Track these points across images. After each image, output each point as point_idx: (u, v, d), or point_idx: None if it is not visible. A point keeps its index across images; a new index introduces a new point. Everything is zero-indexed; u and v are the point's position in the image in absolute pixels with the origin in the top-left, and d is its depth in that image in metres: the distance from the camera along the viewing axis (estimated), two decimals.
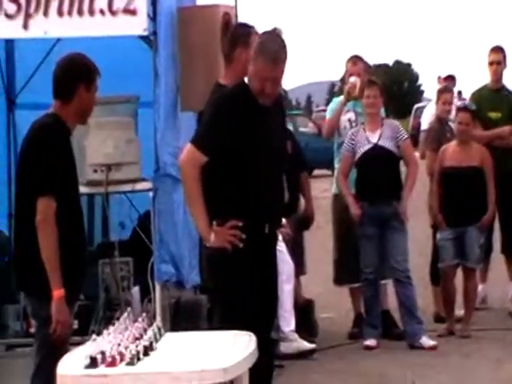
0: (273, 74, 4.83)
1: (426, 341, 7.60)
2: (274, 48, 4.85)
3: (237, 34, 5.39)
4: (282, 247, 7.32)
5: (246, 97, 4.87)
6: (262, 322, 4.96)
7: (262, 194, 4.93)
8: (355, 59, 8.39)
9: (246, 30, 5.42)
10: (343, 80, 8.72)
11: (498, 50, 9.07)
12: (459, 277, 8.19)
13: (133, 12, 5.82)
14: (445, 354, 7.42)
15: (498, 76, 9.02)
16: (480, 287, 8.65)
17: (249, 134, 4.88)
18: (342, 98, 8.44)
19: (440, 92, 9.03)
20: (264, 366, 4.78)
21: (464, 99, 10.66)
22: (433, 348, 7.55)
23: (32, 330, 5.11)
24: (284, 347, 7.20)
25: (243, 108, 4.86)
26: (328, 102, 10.35)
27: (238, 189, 4.84)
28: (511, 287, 8.86)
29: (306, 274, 8.25)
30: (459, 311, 8.15)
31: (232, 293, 4.84)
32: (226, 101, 4.94)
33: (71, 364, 3.96)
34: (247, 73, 4.92)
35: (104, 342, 4.05)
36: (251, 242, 4.82)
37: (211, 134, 4.87)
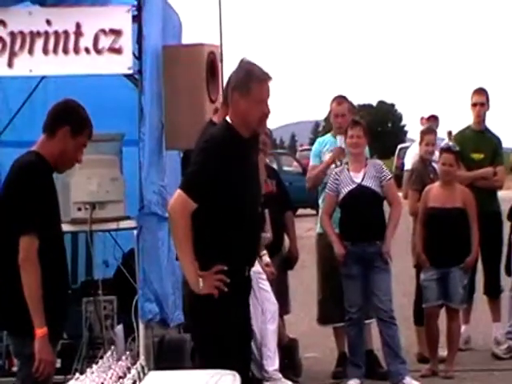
0: (267, 93, 4.85)
1: (410, 381, 7.58)
2: (258, 70, 4.87)
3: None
4: (266, 286, 7.33)
5: (233, 136, 4.86)
6: (243, 362, 4.97)
7: (245, 238, 4.96)
8: (340, 99, 8.46)
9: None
10: (327, 119, 8.77)
11: (481, 91, 9.15)
12: (442, 317, 8.20)
13: (118, 51, 5.84)
14: None
15: (481, 117, 9.09)
16: (463, 328, 8.66)
17: (237, 176, 4.87)
18: (328, 135, 8.50)
19: (423, 133, 9.09)
20: None
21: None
22: None
23: (14, 368, 5.06)
24: None
25: (231, 149, 4.84)
26: (312, 141, 10.43)
27: (222, 233, 4.82)
28: (494, 328, 8.89)
29: (290, 314, 8.25)
30: (442, 352, 8.15)
31: (219, 334, 4.84)
32: (215, 145, 4.86)
33: None
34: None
35: (87, 380, 4.03)
36: (234, 286, 4.84)
37: (201, 180, 4.79)
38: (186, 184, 4.83)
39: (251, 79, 4.83)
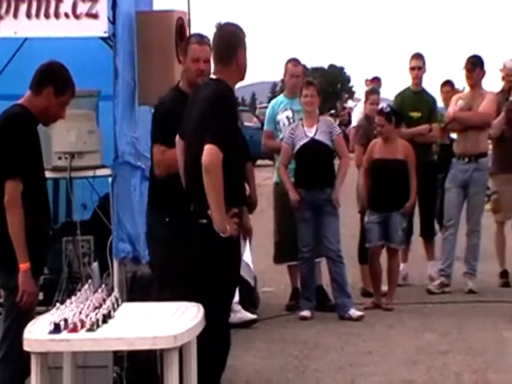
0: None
1: (354, 313, 7.67)
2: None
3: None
4: None
5: (233, 93, 4.89)
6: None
7: (240, 181, 4.95)
8: (295, 61, 8.43)
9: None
10: (283, 80, 8.73)
11: (418, 56, 9.17)
12: (383, 256, 8.27)
13: (95, 16, 5.77)
14: (370, 325, 7.49)
15: (418, 80, 9.12)
16: (402, 266, 8.75)
17: (236, 129, 4.89)
18: (281, 96, 8.50)
19: (368, 93, 9.09)
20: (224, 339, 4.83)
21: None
22: (360, 319, 7.62)
23: (0, 299, 5.03)
24: None
25: (235, 104, 4.92)
26: (270, 99, 10.37)
27: (231, 179, 4.70)
28: (429, 266, 8.99)
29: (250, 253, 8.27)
30: (383, 287, 8.24)
31: (231, 270, 4.84)
32: (229, 98, 4.80)
33: (36, 329, 3.94)
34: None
35: (67, 310, 4.03)
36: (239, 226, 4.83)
37: (225, 131, 4.66)
38: (213, 137, 4.61)
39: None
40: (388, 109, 8.18)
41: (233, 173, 4.72)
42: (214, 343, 4.56)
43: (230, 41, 4.86)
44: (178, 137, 5.01)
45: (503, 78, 9.18)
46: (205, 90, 4.87)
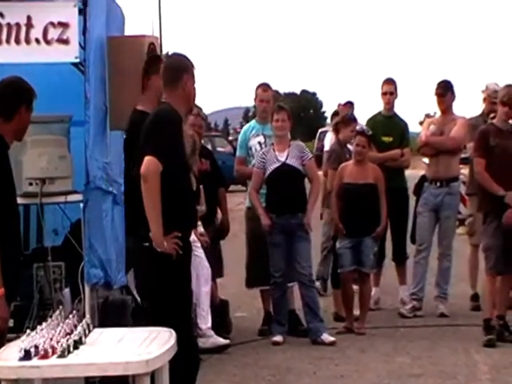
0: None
1: (327, 337, 7.69)
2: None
3: (150, 64, 5.54)
4: (200, 253, 7.34)
5: (177, 113, 5.02)
6: (188, 320, 5.05)
7: (192, 208, 5.02)
8: (265, 86, 8.48)
9: (157, 59, 5.56)
10: (255, 106, 8.78)
11: (390, 81, 9.27)
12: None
13: (66, 41, 5.80)
14: (343, 349, 7.51)
15: (390, 105, 9.22)
16: (374, 290, 8.79)
17: (179, 147, 4.97)
18: (253, 121, 8.56)
19: (348, 120, 8.98)
20: (191, 360, 4.85)
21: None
22: (332, 343, 7.64)
23: None
24: (201, 342, 7.18)
25: (177, 122, 5.01)
26: (243, 125, 10.42)
27: (176, 203, 4.85)
28: (400, 290, 9.04)
29: (222, 278, 8.28)
30: (356, 311, 8.27)
31: (176, 292, 4.92)
32: (170, 116, 4.97)
33: (7, 356, 3.92)
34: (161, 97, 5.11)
35: (37, 336, 4.02)
36: (184, 250, 4.92)
37: (166, 145, 4.84)
38: (152, 149, 4.82)
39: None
40: (370, 132, 8.26)
41: (177, 192, 4.82)
42: (180, 365, 4.56)
43: (175, 66, 5.13)
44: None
45: (484, 100, 9.18)
46: (151, 114, 5.11)
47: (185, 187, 5.01)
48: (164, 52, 7.44)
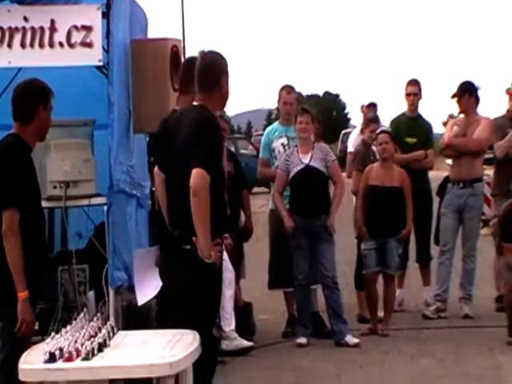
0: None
1: (351, 339, 7.66)
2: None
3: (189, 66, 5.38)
4: (225, 256, 7.32)
5: (216, 118, 4.93)
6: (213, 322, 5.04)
7: (226, 212, 4.98)
8: (288, 88, 8.47)
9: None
10: (278, 108, 8.77)
11: (414, 82, 9.22)
12: (379, 282, 8.27)
13: (89, 45, 5.82)
14: (367, 351, 7.48)
15: (414, 106, 9.16)
16: (398, 292, 8.75)
17: (221, 154, 4.91)
18: (276, 123, 8.54)
19: (370, 121, 9.01)
20: (209, 361, 4.83)
21: None
22: (356, 345, 7.61)
23: None
24: (225, 345, 7.21)
25: (219, 128, 4.92)
26: (266, 127, 10.40)
27: (216, 210, 4.74)
28: (424, 292, 8.99)
29: (246, 280, 8.27)
30: (380, 313, 8.23)
31: (211, 296, 4.88)
32: (213, 123, 4.83)
33: (32, 359, 3.93)
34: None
35: (62, 339, 4.03)
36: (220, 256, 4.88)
37: (211, 155, 4.69)
38: (199, 161, 4.62)
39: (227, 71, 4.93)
40: (390, 129, 8.25)
41: (217, 200, 4.76)
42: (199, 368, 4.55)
43: (214, 69, 4.89)
44: (156, 168, 5.04)
45: (509, 96, 9.06)
46: (187, 117, 4.88)
47: (223, 192, 4.93)
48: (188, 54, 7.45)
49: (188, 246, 4.73)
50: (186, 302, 4.79)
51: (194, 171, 4.62)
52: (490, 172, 9.32)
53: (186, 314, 4.77)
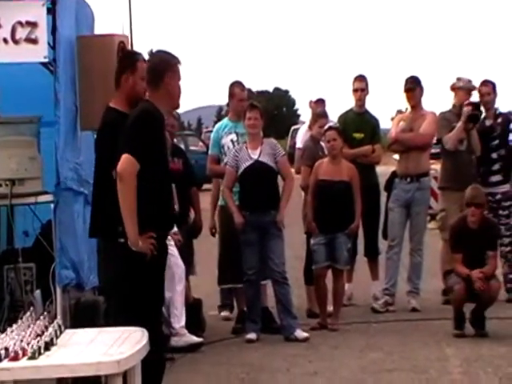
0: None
1: (300, 333, 7.69)
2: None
3: (124, 62, 5.45)
4: (174, 252, 7.31)
5: (159, 112, 4.96)
6: (157, 320, 5.01)
7: (169, 209, 4.98)
8: (241, 85, 8.47)
9: (133, 57, 5.48)
10: (228, 104, 8.76)
11: (361, 78, 9.27)
12: (329, 277, 8.31)
13: (34, 41, 5.76)
14: (316, 345, 7.51)
15: (361, 101, 9.22)
16: (346, 286, 8.80)
17: (160, 147, 4.92)
18: (225, 120, 8.54)
19: (318, 116, 9.04)
20: (158, 358, 4.81)
21: None
22: (306, 340, 7.64)
23: None
24: (174, 341, 7.18)
25: (158, 122, 4.95)
26: (215, 123, 10.39)
27: (153, 203, 4.81)
28: (373, 286, 9.06)
29: (195, 276, 8.25)
30: (329, 308, 8.28)
31: (147, 291, 4.87)
32: (151, 114, 4.90)
33: None
34: (134, 95, 5.07)
35: (7, 338, 3.98)
36: (159, 250, 4.89)
37: (144, 144, 4.78)
38: (128, 148, 4.75)
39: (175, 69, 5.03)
40: (337, 125, 8.28)
41: (160, 195, 4.78)
42: (147, 365, 4.54)
43: (157, 66, 5.03)
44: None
45: (456, 93, 8.97)
46: (132, 111, 5.03)
47: (163, 188, 4.96)
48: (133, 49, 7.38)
49: (122, 240, 4.79)
50: (117, 294, 4.80)
51: (122, 157, 4.74)
52: (436, 167, 9.42)
53: (119, 308, 4.78)
